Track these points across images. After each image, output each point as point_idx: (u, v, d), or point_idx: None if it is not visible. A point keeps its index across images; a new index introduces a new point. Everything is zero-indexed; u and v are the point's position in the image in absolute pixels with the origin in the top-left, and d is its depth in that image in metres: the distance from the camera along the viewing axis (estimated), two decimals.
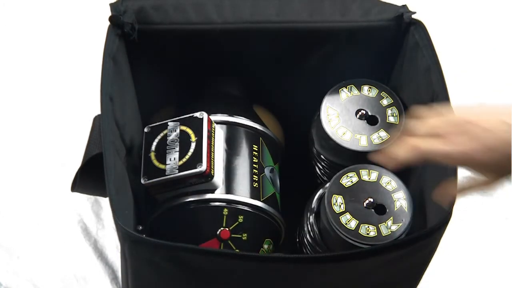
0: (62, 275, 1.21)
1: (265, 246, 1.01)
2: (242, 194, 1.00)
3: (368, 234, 0.93)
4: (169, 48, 1.05)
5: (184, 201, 0.99)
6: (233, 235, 0.98)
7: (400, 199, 0.96)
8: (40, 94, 1.42)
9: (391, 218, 0.95)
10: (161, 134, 1.00)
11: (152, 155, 0.99)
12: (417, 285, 0.96)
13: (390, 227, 0.94)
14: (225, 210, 0.98)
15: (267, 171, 1.04)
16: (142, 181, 0.97)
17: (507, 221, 1.32)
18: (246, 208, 0.99)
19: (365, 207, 0.96)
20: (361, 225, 0.94)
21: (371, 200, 0.96)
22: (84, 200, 1.28)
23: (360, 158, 1.00)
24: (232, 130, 1.04)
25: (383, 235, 0.94)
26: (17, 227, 1.26)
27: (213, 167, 0.97)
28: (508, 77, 1.52)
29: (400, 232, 0.94)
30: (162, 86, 1.11)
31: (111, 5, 1.01)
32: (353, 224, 0.95)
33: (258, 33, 1.04)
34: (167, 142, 0.99)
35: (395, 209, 0.96)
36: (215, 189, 0.99)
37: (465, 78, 1.48)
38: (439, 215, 0.87)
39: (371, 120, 1.02)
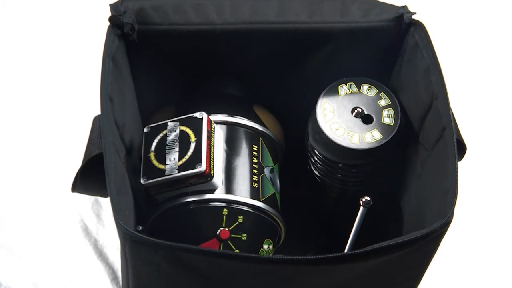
0: (62, 275, 1.22)
1: (265, 247, 1.01)
2: (242, 194, 1.00)
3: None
4: (168, 48, 1.05)
5: (183, 201, 0.99)
6: (232, 235, 0.98)
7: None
8: (41, 95, 1.42)
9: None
10: (161, 134, 1.00)
11: (152, 155, 0.99)
12: (417, 286, 0.96)
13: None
14: (225, 210, 0.98)
15: (267, 171, 1.04)
16: (142, 181, 0.97)
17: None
18: (246, 208, 0.99)
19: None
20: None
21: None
22: (84, 200, 1.28)
23: (351, 156, 1.01)
24: (232, 130, 1.04)
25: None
26: (18, 227, 1.26)
27: (213, 167, 0.98)
28: (508, 78, 1.52)
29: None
30: (162, 86, 1.11)
31: (111, 5, 1.01)
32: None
33: (257, 34, 1.04)
34: (167, 142, 0.99)
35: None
36: (215, 189, 0.99)
37: (465, 79, 1.48)
38: (439, 216, 0.87)
39: (366, 119, 1.02)
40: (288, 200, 1.08)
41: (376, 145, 1.00)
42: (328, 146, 1.02)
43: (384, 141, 1.00)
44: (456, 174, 0.89)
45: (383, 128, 1.01)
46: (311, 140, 1.04)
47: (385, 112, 1.02)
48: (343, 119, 1.02)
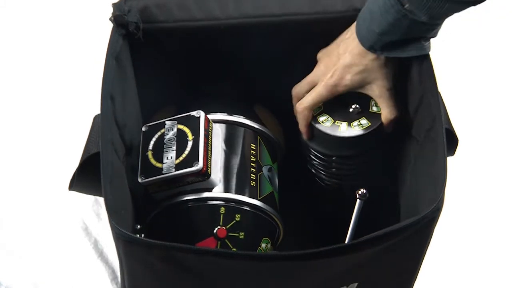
0: (62, 275, 1.22)
1: (263, 245, 1.01)
2: (240, 192, 0.99)
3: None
4: (173, 47, 1.06)
5: (181, 199, 0.99)
6: (230, 234, 0.98)
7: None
8: (43, 94, 1.42)
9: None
10: (159, 133, 1.00)
11: (149, 154, 0.99)
12: (413, 280, 0.96)
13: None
14: (222, 208, 0.98)
15: (265, 170, 1.04)
16: (139, 180, 0.97)
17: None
18: (243, 206, 0.99)
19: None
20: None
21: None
22: (84, 200, 1.29)
23: (341, 145, 1.01)
24: (230, 129, 1.04)
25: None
26: (18, 227, 1.26)
27: (210, 165, 0.97)
28: (506, 77, 1.51)
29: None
30: (164, 86, 1.11)
31: (114, 5, 1.01)
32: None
33: (260, 27, 1.04)
34: (164, 141, 0.99)
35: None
36: (212, 188, 0.99)
37: (463, 77, 1.48)
38: (431, 203, 0.86)
39: (354, 109, 1.02)
40: (287, 199, 1.08)
41: (365, 132, 1.00)
42: (319, 139, 1.02)
43: (372, 128, 1.00)
44: (445, 161, 0.88)
45: (371, 116, 1.01)
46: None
47: (373, 101, 1.02)
48: (331, 109, 1.02)
